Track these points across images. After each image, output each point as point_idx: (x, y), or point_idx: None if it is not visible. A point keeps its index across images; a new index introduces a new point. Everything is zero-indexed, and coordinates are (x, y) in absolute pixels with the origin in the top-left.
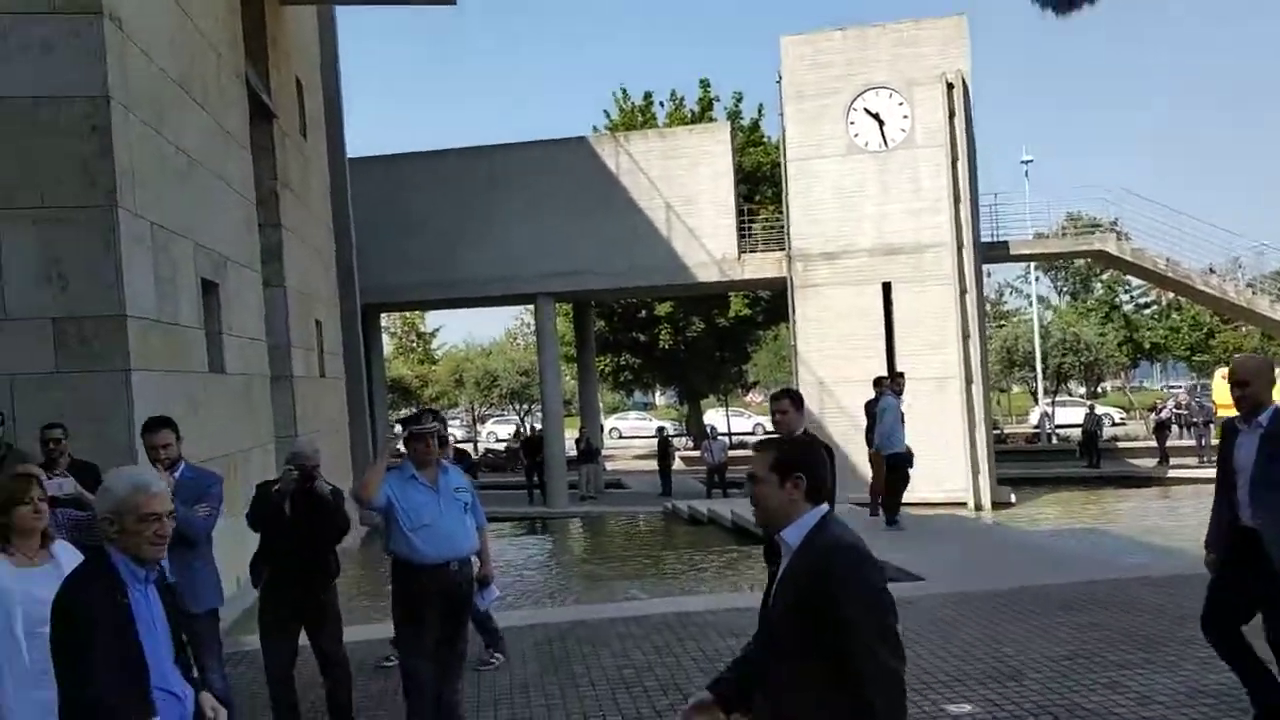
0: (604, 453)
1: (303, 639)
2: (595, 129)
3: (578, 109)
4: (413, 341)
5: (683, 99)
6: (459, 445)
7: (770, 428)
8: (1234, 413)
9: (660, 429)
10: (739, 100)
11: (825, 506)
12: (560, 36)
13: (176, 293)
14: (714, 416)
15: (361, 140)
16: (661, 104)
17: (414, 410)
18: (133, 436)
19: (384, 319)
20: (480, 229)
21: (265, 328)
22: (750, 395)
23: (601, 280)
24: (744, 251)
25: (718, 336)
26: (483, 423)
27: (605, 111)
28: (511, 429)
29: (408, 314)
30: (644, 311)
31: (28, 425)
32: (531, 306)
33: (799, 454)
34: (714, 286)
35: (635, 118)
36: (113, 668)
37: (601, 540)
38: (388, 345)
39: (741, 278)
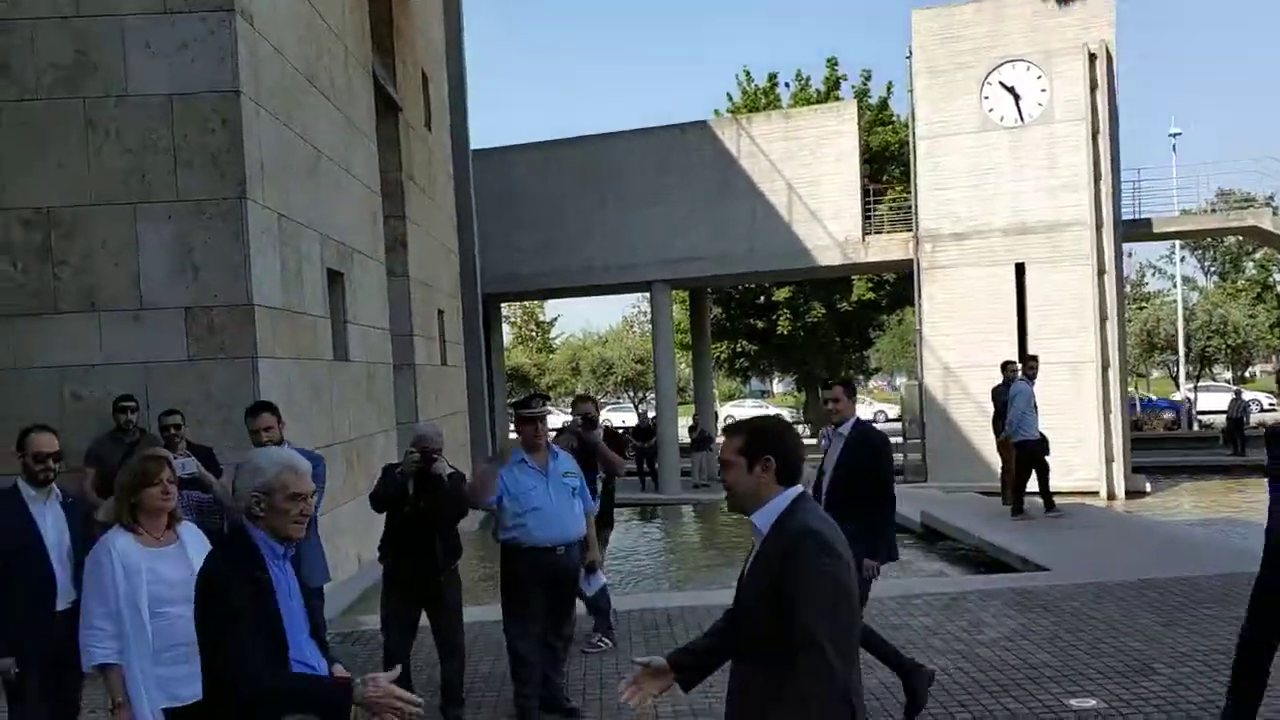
0: (718, 440)
1: (423, 620)
2: (717, 113)
3: (699, 94)
4: (532, 330)
5: (808, 79)
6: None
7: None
8: None
9: (777, 417)
10: (867, 78)
11: (798, 489)
12: (682, 19)
13: (303, 282)
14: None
15: (479, 126)
16: (786, 85)
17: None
18: None
19: (504, 308)
20: (597, 218)
21: (389, 317)
22: (873, 382)
23: (719, 266)
24: (868, 233)
25: (839, 321)
26: (571, 410)
27: (728, 95)
28: (626, 417)
29: (527, 303)
30: (762, 297)
31: (161, 411)
32: (647, 294)
33: (768, 436)
34: (836, 270)
35: (758, 100)
36: (258, 641)
37: (712, 527)
38: (508, 334)
39: (865, 260)
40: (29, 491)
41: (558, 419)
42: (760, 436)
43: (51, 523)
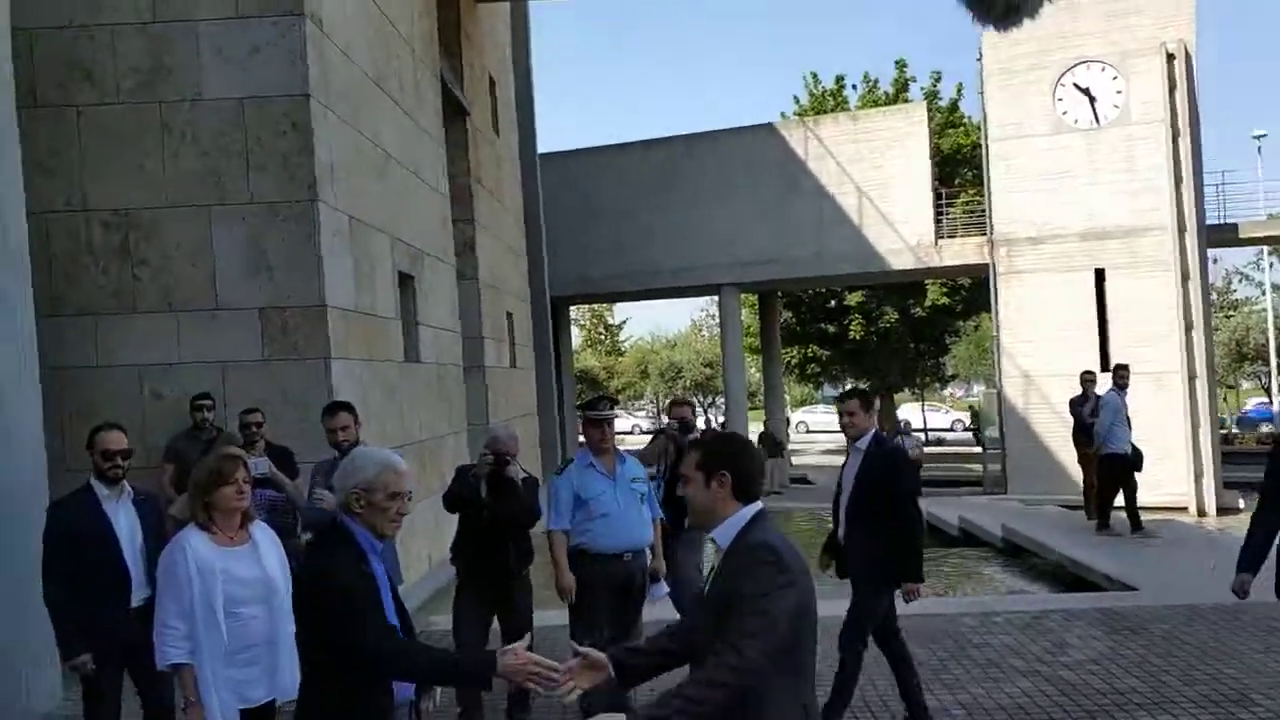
0: (790, 447)
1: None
2: (783, 115)
3: (765, 97)
4: (600, 333)
5: (876, 81)
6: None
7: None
8: None
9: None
10: (937, 80)
11: (758, 506)
12: (748, 22)
13: (374, 284)
14: (908, 411)
15: (546, 130)
16: (854, 87)
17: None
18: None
19: (573, 311)
20: (665, 220)
21: (458, 319)
22: (948, 389)
23: (788, 269)
24: (941, 237)
25: (913, 327)
26: (667, 414)
27: (794, 97)
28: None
29: (596, 306)
30: (833, 301)
31: (237, 411)
32: (716, 297)
33: (723, 451)
34: (909, 274)
35: (825, 102)
36: (380, 629)
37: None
38: (577, 337)
39: (939, 264)
40: (101, 490)
41: (626, 422)
42: (716, 452)
43: (124, 520)
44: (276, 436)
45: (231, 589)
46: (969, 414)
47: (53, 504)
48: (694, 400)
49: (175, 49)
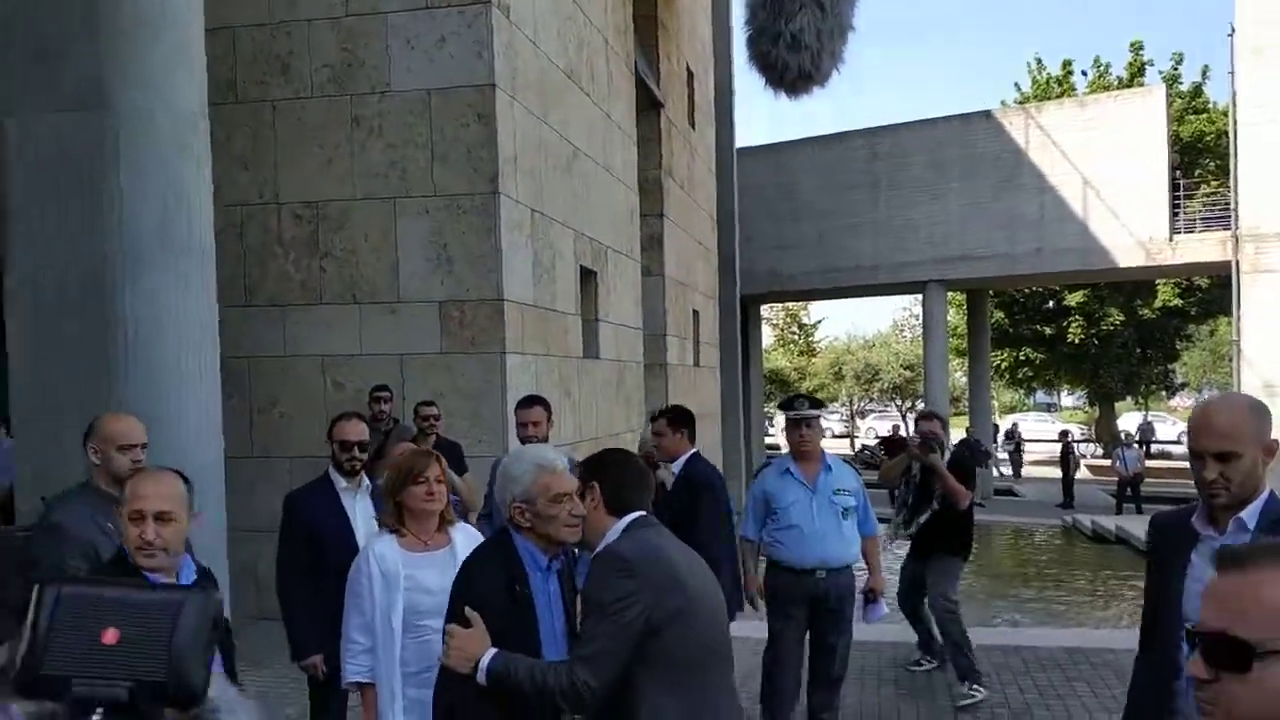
0: (998, 455)
1: None
2: (1002, 103)
3: (982, 85)
4: (794, 333)
5: (1108, 66)
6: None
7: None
8: None
9: (1064, 433)
10: (1178, 62)
11: (631, 517)
12: (967, 5)
13: (554, 279)
14: (1130, 421)
15: (745, 120)
16: (1083, 73)
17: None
18: (505, 417)
19: (765, 310)
20: (869, 215)
21: (641, 316)
22: (1176, 399)
23: (1002, 266)
24: (1177, 232)
25: (1139, 330)
26: (862, 417)
27: (1015, 84)
28: (890, 426)
29: (790, 305)
30: (1051, 301)
31: (413, 403)
32: (920, 296)
33: (594, 465)
34: (1137, 272)
35: (1050, 89)
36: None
37: (984, 553)
38: (768, 336)
39: (1172, 262)
40: (339, 481)
41: (833, 424)
42: (588, 466)
43: (361, 514)
44: (450, 430)
45: (416, 599)
46: None
47: (290, 494)
48: (943, 415)
49: (365, 41)
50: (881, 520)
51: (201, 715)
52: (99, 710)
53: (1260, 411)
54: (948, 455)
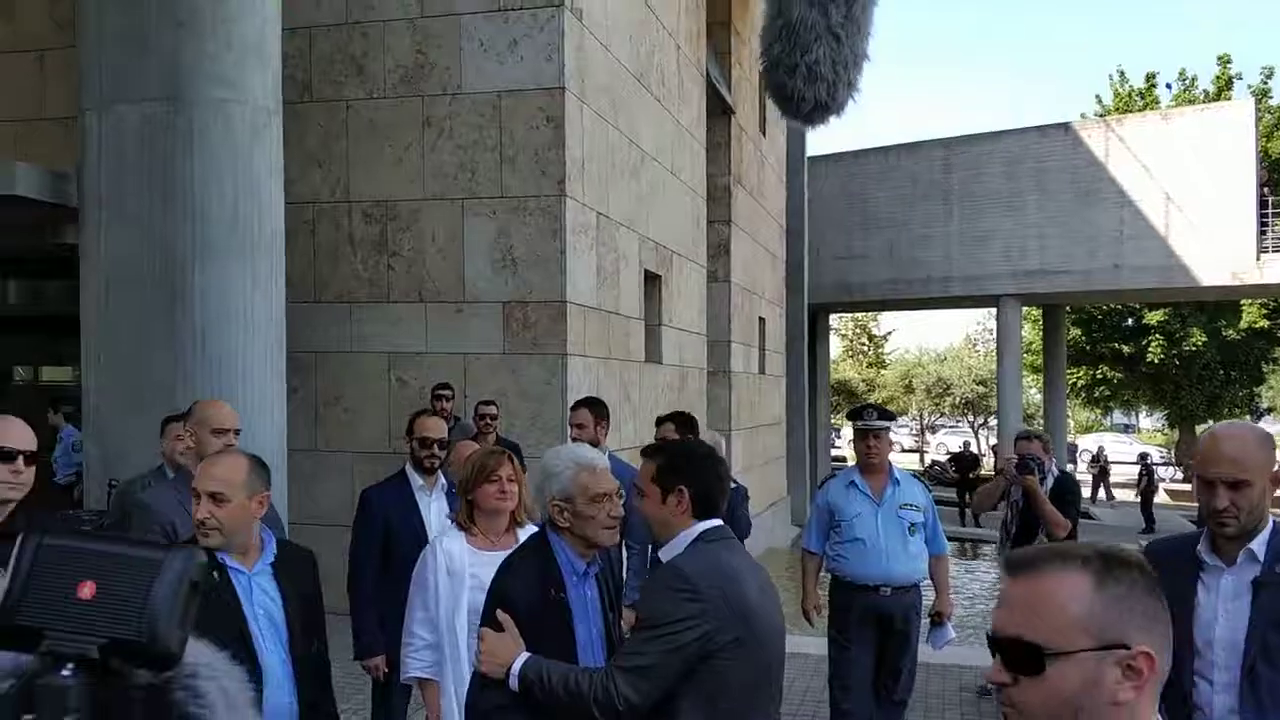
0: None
1: None
2: (1082, 116)
3: (1062, 98)
4: (863, 344)
5: (1194, 79)
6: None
7: None
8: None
9: (1143, 455)
10: (1268, 76)
11: (713, 522)
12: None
13: (618, 282)
14: None
15: (824, 130)
16: (1168, 86)
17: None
18: (565, 419)
19: (834, 320)
20: (943, 227)
21: (706, 322)
22: (1263, 423)
23: (1079, 282)
24: (1265, 250)
25: (1223, 351)
26: (932, 432)
27: (1096, 97)
28: (961, 442)
29: (859, 316)
30: (1130, 319)
31: (474, 402)
32: (994, 310)
33: (679, 462)
34: (1221, 292)
35: (1132, 102)
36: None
37: None
38: (837, 347)
39: (1260, 282)
40: (416, 479)
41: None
42: (671, 464)
43: (435, 513)
44: (510, 431)
45: (479, 597)
46: None
47: (366, 490)
48: (1045, 436)
49: (438, 43)
50: (951, 539)
51: (178, 678)
52: (69, 666)
53: (1266, 441)
54: (1050, 479)
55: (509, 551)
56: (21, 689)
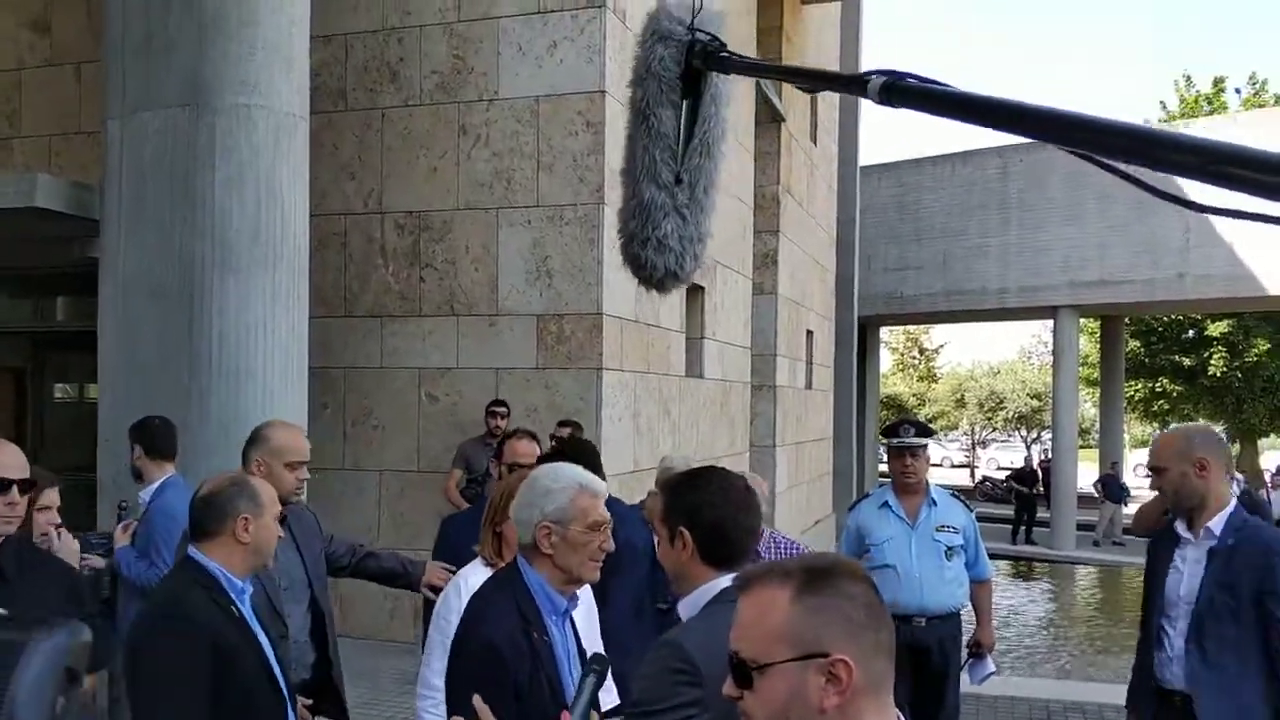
0: (1135, 493)
1: None
2: (1145, 121)
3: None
4: (914, 358)
5: (1264, 83)
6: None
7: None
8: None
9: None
10: None
11: (727, 581)
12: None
13: (658, 295)
14: (1273, 459)
15: (871, 137)
16: (1236, 91)
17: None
18: (600, 435)
19: (884, 333)
20: (999, 237)
21: (751, 335)
22: None
23: (1141, 293)
24: None
25: None
26: (984, 447)
27: (1160, 103)
28: (1015, 458)
29: (911, 329)
30: (1192, 330)
31: (515, 422)
32: (1050, 321)
33: (683, 497)
34: None
35: (1198, 108)
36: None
37: (1115, 598)
38: (887, 360)
39: None
40: None
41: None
42: (676, 498)
43: None
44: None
45: None
46: None
47: (446, 517)
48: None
49: (475, 48)
50: (993, 557)
51: None
52: None
53: (1190, 436)
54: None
55: None
56: None
